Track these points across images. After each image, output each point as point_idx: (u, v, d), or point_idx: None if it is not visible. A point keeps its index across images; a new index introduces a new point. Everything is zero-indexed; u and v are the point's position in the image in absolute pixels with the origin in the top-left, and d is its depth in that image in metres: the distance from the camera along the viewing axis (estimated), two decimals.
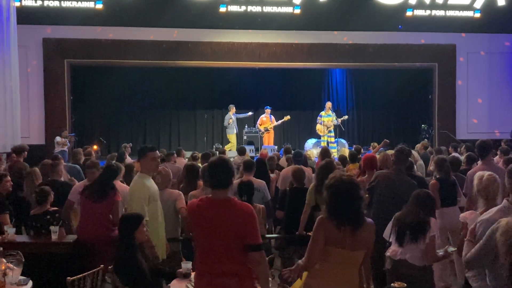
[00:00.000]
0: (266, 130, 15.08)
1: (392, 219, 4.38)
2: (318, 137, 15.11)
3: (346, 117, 14.86)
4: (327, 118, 14.66)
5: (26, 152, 8.68)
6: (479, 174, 4.31)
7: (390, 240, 4.36)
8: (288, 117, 15.44)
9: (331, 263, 3.40)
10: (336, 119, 14.62)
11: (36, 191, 5.75)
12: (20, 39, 12.64)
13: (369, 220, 3.53)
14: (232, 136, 15.09)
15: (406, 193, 4.62)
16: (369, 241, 3.45)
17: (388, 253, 4.32)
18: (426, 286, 4.20)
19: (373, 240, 3.51)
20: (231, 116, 14.96)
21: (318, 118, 14.86)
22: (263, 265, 3.33)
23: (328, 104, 14.96)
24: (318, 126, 14.82)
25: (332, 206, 3.42)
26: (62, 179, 7.02)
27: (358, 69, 16.64)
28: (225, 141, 15.80)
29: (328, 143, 14.43)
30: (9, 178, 6.37)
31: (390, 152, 6.41)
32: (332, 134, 14.77)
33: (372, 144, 11.93)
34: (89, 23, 14.08)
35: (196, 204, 3.41)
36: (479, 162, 6.34)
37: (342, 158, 9.37)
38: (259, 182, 6.45)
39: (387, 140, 11.79)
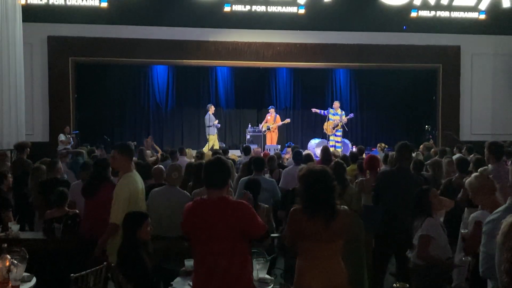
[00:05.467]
0: (268, 129, 15.14)
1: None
2: (322, 136, 15.10)
3: (351, 115, 14.86)
4: (335, 117, 14.66)
5: (28, 149, 8.69)
6: None
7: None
8: (288, 120, 15.60)
9: (313, 258, 3.38)
10: (342, 119, 14.61)
11: (57, 192, 5.71)
12: (25, 36, 12.68)
13: (343, 207, 3.48)
14: (213, 136, 14.62)
15: (412, 190, 4.55)
16: (346, 229, 3.41)
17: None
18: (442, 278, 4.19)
19: (351, 227, 3.49)
20: (211, 115, 14.72)
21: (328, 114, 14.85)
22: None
23: (336, 104, 14.96)
24: (325, 125, 14.82)
25: (304, 196, 3.41)
26: (65, 176, 7.05)
27: (362, 69, 16.60)
28: (228, 140, 15.73)
29: (335, 142, 14.44)
30: (10, 175, 6.39)
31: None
32: (340, 133, 14.76)
33: (379, 144, 11.87)
34: (93, 21, 14.09)
35: (191, 206, 3.39)
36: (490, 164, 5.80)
37: (344, 158, 9.35)
38: (268, 182, 6.43)
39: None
